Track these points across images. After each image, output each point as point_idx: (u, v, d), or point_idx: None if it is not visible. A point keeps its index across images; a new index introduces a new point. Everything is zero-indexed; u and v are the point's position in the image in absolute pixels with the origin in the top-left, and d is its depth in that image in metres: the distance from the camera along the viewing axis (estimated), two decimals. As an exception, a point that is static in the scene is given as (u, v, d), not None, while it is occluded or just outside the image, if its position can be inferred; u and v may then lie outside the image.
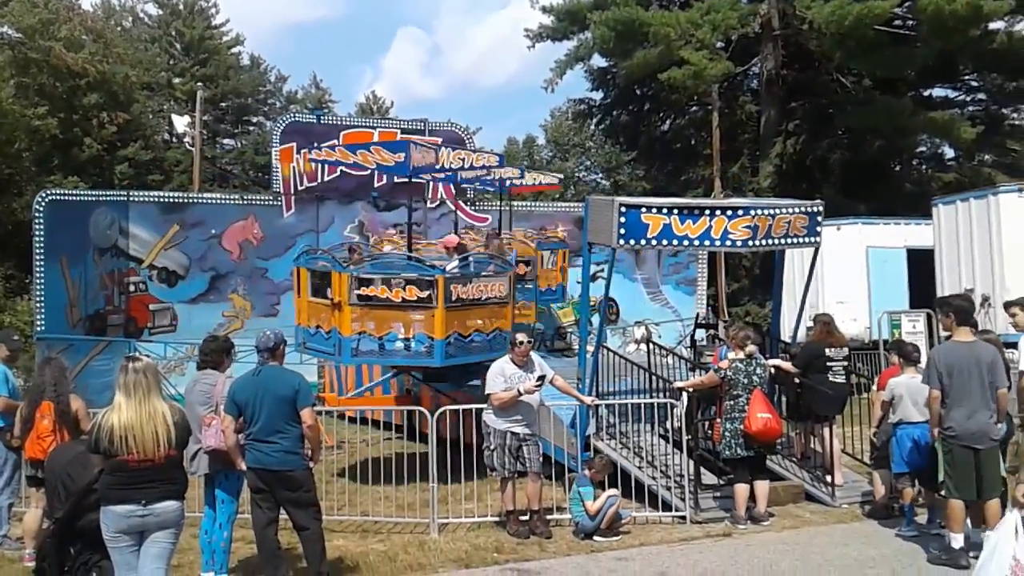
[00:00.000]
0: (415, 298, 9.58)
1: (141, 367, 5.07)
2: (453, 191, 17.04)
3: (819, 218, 9.30)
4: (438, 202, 18.64)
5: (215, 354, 6.88)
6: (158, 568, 5.06)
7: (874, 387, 9.29)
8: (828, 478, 8.96)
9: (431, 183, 17.71)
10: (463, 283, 9.83)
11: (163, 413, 5.01)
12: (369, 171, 13.88)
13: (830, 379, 9.18)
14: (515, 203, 20.64)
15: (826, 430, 9.00)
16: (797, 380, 9.28)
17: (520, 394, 7.82)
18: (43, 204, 15.85)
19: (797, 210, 9.11)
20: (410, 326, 9.78)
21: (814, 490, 8.98)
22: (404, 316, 9.77)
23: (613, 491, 7.97)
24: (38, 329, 15.37)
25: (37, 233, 15.68)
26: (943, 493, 6.92)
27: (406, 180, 11.57)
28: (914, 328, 16.18)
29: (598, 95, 35.05)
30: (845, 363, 9.43)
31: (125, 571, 5.04)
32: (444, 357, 9.71)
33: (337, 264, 9.89)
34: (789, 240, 9.17)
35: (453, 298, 9.67)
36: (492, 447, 7.97)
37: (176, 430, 5.05)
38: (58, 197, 16.74)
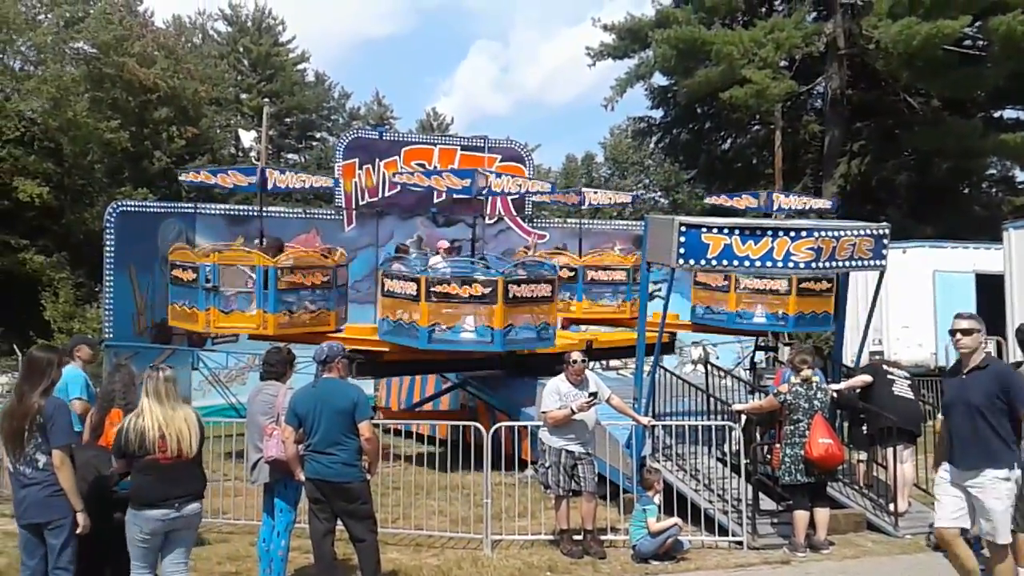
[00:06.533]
0: (480, 294, 10.79)
1: (168, 375, 5.49)
2: (512, 208, 17.08)
3: (885, 241, 9.05)
4: (496, 218, 18.71)
5: (279, 365, 7.05)
6: (180, 563, 5.45)
7: (939, 414, 9.02)
8: (891, 507, 8.72)
9: (489, 200, 17.83)
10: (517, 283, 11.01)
11: (189, 414, 5.44)
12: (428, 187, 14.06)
13: (894, 392, 8.96)
14: (571, 220, 20.68)
15: (890, 454, 8.77)
16: (862, 404, 9.09)
17: (573, 412, 7.79)
18: (114, 215, 16.32)
19: (862, 232, 8.89)
20: (476, 318, 11.01)
21: (876, 519, 8.73)
22: (470, 309, 10.97)
23: (678, 519, 7.88)
24: (106, 336, 15.80)
25: (107, 243, 16.15)
26: (1013, 527, 6.69)
27: (465, 197, 12.02)
28: (982, 355, 15.72)
29: (658, 113, 34.96)
30: (909, 381, 9.20)
31: (142, 569, 5.36)
32: (504, 344, 10.88)
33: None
34: (854, 263, 8.95)
35: (509, 295, 10.84)
36: (547, 465, 7.94)
37: (200, 431, 5.48)
38: (128, 208, 17.22)
